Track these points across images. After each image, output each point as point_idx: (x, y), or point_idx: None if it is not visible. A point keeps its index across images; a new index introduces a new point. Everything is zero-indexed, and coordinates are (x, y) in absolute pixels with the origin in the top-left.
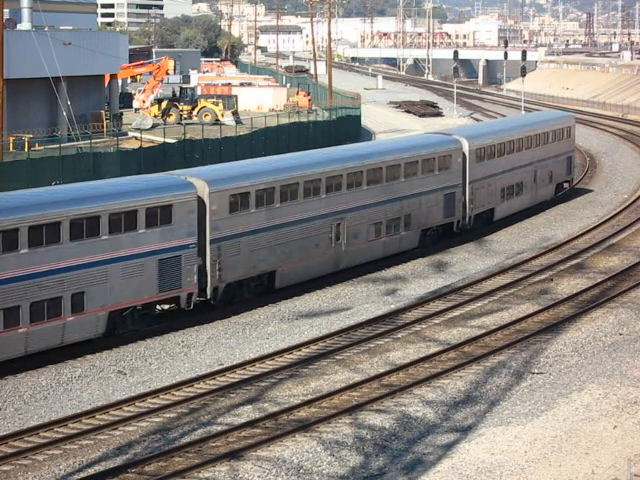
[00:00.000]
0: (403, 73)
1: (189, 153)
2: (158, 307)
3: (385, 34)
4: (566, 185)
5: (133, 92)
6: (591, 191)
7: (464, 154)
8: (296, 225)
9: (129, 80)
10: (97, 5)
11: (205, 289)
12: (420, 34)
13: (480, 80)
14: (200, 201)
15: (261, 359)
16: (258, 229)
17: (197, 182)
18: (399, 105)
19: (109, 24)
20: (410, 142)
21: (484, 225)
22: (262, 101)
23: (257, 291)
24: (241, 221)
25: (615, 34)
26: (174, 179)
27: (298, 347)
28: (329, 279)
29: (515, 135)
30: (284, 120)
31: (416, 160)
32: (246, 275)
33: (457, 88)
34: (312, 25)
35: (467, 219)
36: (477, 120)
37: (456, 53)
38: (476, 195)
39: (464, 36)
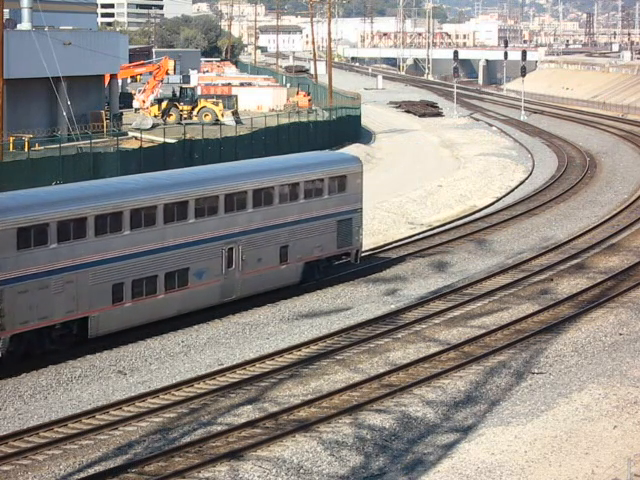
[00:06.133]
0: (403, 73)
1: (189, 153)
2: None
3: (385, 34)
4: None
5: (133, 92)
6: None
7: None
8: None
9: (129, 80)
10: (97, 5)
11: None
12: (420, 34)
13: (480, 80)
14: None
15: (261, 359)
16: None
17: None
18: (399, 105)
19: (109, 24)
20: None
21: (19, 361)
22: (262, 101)
23: None
24: None
25: (615, 34)
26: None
27: (298, 347)
28: (329, 279)
29: (157, 198)
30: (284, 120)
31: None
32: None
33: (457, 88)
34: (312, 25)
35: None
36: (476, 120)
37: (456, 53)
38: None
39: (464, 36)
